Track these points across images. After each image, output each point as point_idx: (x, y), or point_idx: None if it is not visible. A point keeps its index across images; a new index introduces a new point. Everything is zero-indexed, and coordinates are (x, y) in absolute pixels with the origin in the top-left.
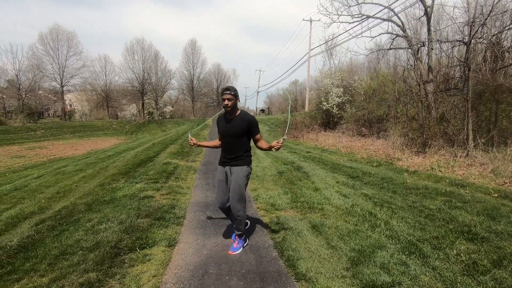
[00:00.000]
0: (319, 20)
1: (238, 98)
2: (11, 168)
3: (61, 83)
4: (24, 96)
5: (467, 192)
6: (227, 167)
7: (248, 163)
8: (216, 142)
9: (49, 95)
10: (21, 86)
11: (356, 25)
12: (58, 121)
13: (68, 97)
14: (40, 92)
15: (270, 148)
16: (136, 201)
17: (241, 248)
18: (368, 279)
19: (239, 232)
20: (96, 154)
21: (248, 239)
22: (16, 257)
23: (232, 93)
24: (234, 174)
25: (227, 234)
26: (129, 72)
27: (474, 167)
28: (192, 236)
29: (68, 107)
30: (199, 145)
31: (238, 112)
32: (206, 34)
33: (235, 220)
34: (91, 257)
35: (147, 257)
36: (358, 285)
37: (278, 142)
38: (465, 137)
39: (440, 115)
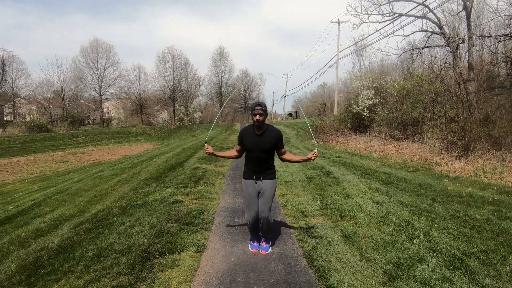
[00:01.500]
0: (347, 21)
1: (268, 113)
2: (56, 172)
3: (100, 92)
4: (67, 105)
5: None
6: (259, 181)
7: (275, 175)
8: (233, 153)
9: (89, 104)
10: (65, 96)
11: (387, 24)
12: (97, 128)
13: (106, 105)
14: (82, 101)
15: (305, 160)
16: (167, 205)
17: (270, 247)
18: None
19: (266, 238)
20: (130, 159)
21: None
22: (56, 258)
23: (264, 108)
24: (267, 186)
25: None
26: (161, 80)
27: None
28: (220, 242)
29: (106, 114)
30: (215, 155)
31: (266, 126)
32: (234, 41)
33: (266, 229)
34: (123, 261)
35: (176, 262)
36: None
37: (313, 154)
38: None
39: (483, 116)
